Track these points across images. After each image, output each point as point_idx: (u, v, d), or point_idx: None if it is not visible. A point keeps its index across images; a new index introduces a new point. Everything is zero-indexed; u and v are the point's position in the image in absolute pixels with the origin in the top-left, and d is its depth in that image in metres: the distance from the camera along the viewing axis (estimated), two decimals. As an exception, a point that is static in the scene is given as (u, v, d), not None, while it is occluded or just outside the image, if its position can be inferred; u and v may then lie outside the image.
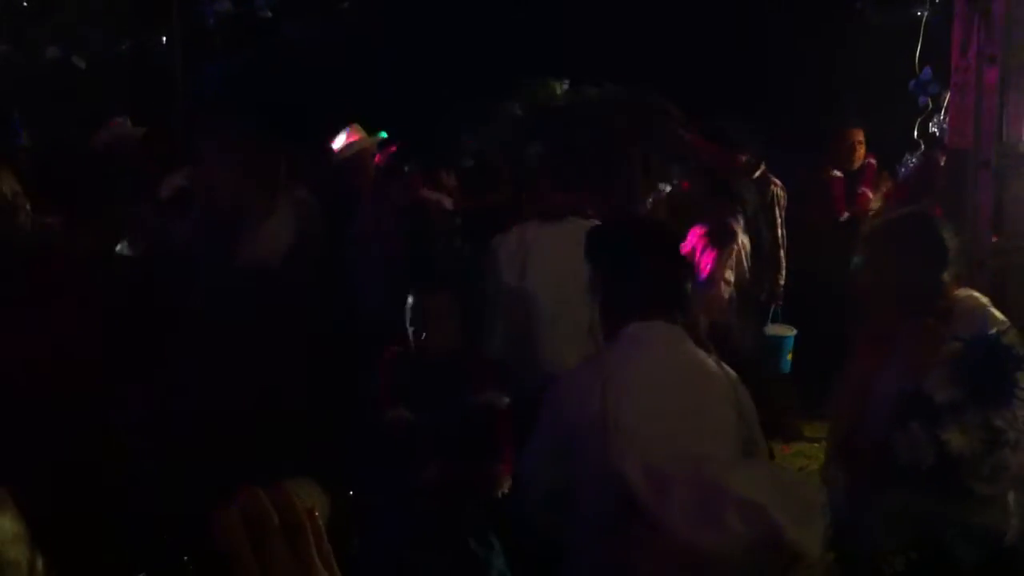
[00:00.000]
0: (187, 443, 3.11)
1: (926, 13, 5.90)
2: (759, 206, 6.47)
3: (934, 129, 5.77)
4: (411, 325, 4.12)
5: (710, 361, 3.17)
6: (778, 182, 7.03)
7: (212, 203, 3.34)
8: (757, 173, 6.92)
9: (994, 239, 4.96)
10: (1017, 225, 4.99)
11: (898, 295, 3.49)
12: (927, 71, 6.15)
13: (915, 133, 6.11)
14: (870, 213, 7.11)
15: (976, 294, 3.58)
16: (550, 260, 4.99)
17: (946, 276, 3.48)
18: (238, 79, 4.21)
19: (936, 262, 3.46)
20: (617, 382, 3.01)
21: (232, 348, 3.13)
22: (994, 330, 3.31)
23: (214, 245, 3.31)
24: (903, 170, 6.64)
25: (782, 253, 6.99)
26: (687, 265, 3.54)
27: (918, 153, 6.24)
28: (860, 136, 7.72)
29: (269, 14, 4.58)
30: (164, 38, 4.78)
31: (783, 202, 7.02)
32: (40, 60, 5.45)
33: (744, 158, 6.83)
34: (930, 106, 5.98)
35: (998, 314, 3.45)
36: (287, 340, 3.28)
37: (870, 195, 7.53)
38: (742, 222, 5.99)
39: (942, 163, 5.66)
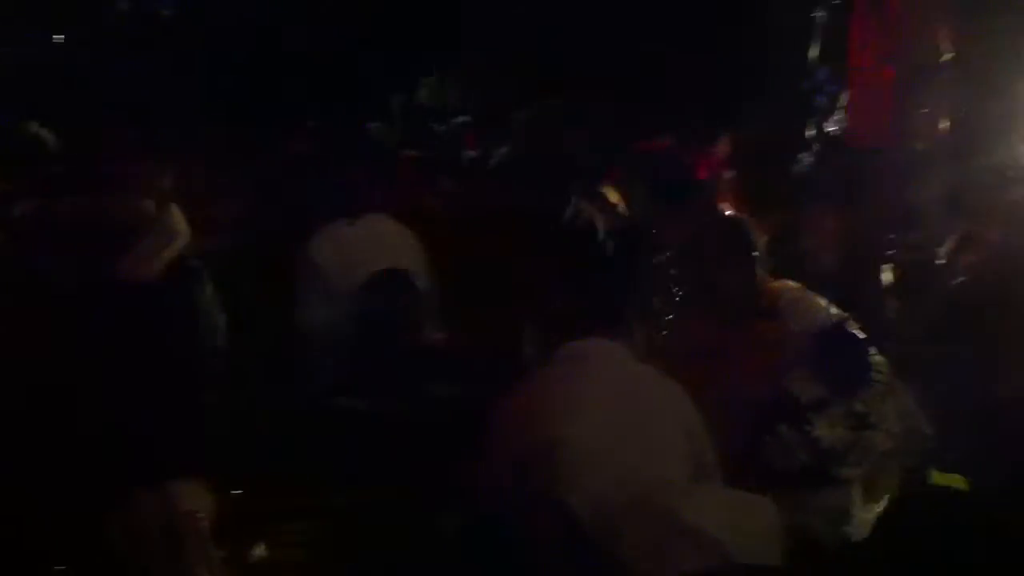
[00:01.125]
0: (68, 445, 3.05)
1: (822, 14, 6.04)
2: None
3: (832, 128, 5.89)
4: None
5: (655, 378, 3.05)
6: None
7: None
8: None
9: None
10: (916, 221, 5.13)
11: (717, 301, 3.51)
12: (823, 71, 6.30)
13: (813, 133, 6.24)
14: None
15: (792, 284, 3.59)
16: None
17: (760, 275, 3.47)
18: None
19: (746, 263, 3.46)
20: (559, 407, 2.95)
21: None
22: (834, 318, 3.39)
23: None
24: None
25: None
26: (626, 279, 3.44)
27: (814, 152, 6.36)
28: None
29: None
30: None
31: None
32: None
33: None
34: (826, 106, 6.11)
35: (819, 300, 3.51)
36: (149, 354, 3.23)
37: None
38: None
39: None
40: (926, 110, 5.19)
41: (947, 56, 5.15)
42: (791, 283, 3.54)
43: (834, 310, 3.43)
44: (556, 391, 2.93)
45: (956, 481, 3.40)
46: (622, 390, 2.94)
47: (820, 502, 3.23)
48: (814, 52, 6.32)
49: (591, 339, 3.00)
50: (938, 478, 3.44)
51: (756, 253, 3.46)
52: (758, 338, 3.36)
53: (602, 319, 3.04)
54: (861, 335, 3.33)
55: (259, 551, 3.76)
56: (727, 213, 3.87)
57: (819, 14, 5.84)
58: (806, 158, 6.56)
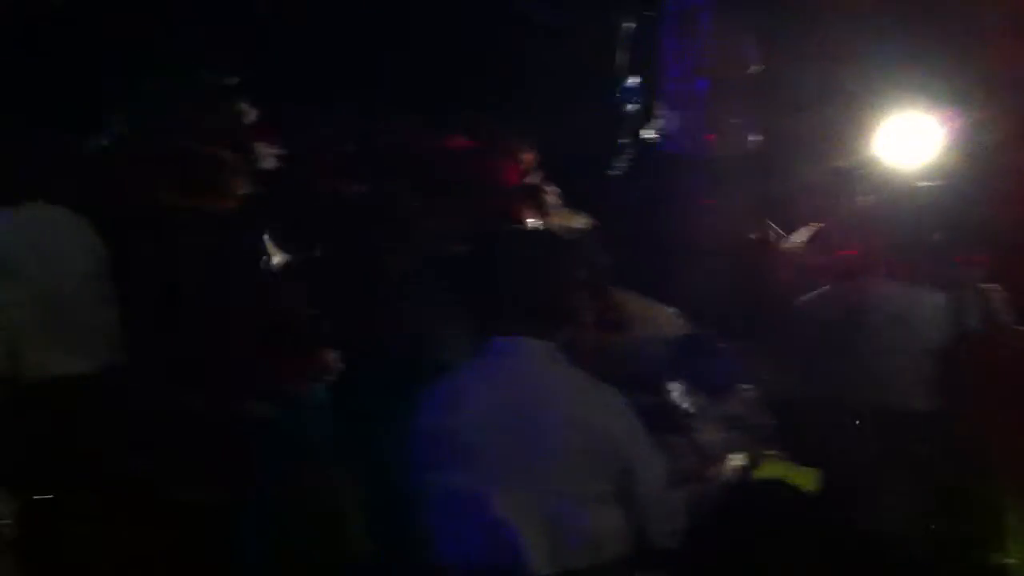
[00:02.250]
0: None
1: (630, 24, 6.17)
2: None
3: (650, 135, 6.02)
4: None
5: (572, 382, 3.06)
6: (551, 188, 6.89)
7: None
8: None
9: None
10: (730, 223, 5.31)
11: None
12: (634, 80, 6.44)
13: (627, 140, 6.36)
14: None
15: (633, 294, 3.79)
16: None
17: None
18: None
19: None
20: (459, 398, 2.99)
21: None
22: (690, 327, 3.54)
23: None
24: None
25: None
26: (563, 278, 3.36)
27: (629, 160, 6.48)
28: None
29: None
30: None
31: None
32: None
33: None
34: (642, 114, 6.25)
35: (662, 307, 3.77)
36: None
37: None
38: None
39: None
40: (736, 121, 5.38)
41: (755, 69, 5.35)
42: (631, 293, 3.63)
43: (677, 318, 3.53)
44: (463, 383, 3.04)
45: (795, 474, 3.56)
46: (520, 388, 2.98)
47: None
48: (623, 62, 6.46)
49: (517, 336, 3.04)
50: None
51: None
52: (606, 349, 3.42)
53: (531, 317, 3.08)
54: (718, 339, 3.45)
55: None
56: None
57: (627, 25, 5.95)
58: (619, 165, 6.72)
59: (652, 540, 3.07)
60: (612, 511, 2.96)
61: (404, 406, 3.13)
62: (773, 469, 3.56)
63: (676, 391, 3.36)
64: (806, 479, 3.45)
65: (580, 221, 5.24)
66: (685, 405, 3.32)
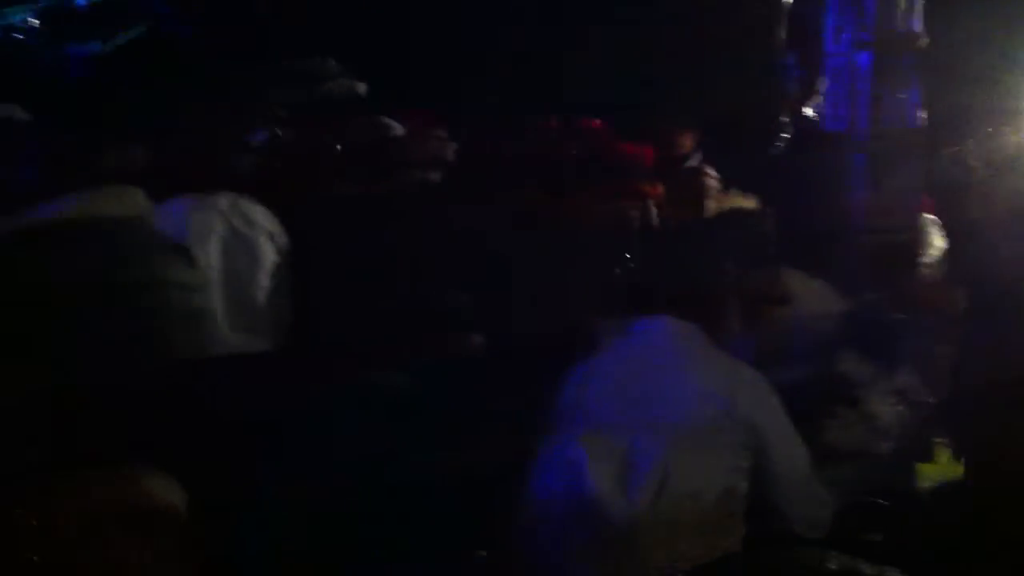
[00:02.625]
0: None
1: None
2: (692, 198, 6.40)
3: (810, 113, 5.89)
4: None
5: (713, 361, 3.09)
6: (713, 173, 6.82)
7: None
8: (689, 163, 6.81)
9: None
10: (893, 207, 5.15)
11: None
12: (792, 56, 6.31)
13: (787, 118, 6.25)
14: None
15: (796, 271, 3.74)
16: None
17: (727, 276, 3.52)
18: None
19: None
20: (592, 373, 3.02)
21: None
22: (869, 299, 3.46)
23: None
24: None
25: None
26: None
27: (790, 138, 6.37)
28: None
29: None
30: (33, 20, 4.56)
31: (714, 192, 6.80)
32: None
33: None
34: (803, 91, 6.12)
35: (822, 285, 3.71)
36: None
37: None
38: None
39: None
40: (902, 96, 5.20)
41: (922, 43, 5.16)
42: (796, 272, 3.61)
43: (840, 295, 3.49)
44: (595, 360, 3.13)
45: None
46: (653, 363, 3.01)
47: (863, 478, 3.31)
48: (782, 37, 6.33)
49: (661, 316, 3.09)
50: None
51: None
52: (775, 325, 3.41)
53: (678, 298, 3.12)
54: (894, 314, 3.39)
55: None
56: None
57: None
58: (780, 144, 6.59)
59: (793, 525, 3.06)
60: (742, 486, 2.96)
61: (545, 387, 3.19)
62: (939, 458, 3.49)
63: (847, 361, 3.33)
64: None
65: (747, 203, 5.18)
66: (856, 376, 3.29)
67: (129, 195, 3.27)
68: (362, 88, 4.83)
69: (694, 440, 2.90)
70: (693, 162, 6.77)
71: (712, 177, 6.62)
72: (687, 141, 6.78)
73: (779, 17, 6.40)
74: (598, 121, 6.06)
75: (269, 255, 4.61)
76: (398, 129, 4.80)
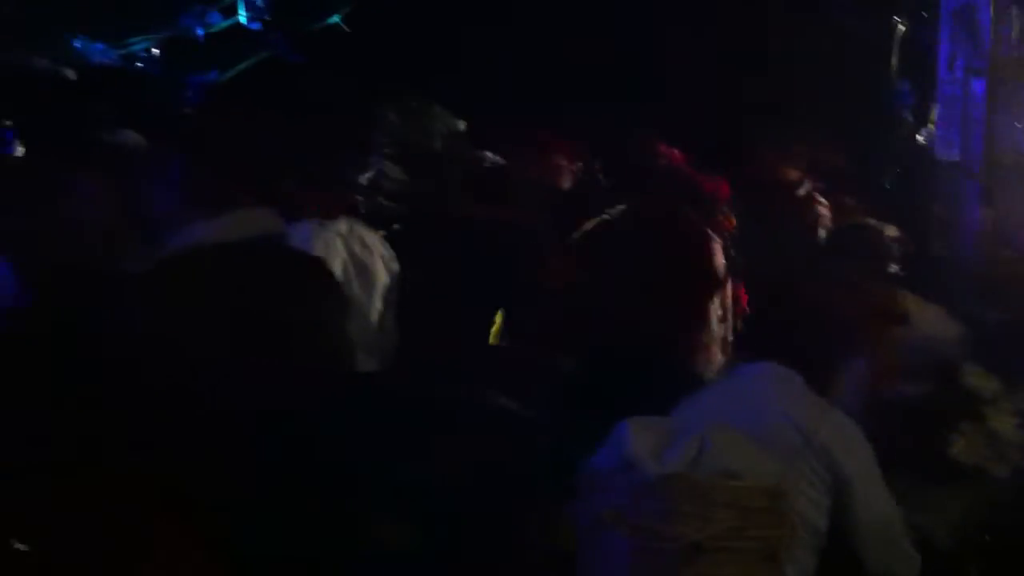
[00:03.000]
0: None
1: (903, 26, 5.98)
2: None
3: (922, 140, 5.83)
4: None
5: (805, 403, 3.12)
6: (824, 200, 6.76)
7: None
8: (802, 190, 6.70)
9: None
10: (1007, 234, 5.06)
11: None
12: (905, 83, 6.24)
13: (897, 145, 6.18)
14: None
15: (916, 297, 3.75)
16: None
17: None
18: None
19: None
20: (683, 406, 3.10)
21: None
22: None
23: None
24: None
25: None
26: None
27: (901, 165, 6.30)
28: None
29: (259, 26, 4.55)
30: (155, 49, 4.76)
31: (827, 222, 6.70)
32: (29, 69, 5.37)
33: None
34: (910, 119, 6.06)
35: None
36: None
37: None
38: None
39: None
40: (1017, 124, 5.11)
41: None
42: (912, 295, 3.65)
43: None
44: (697, 398, 3.14)
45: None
46: (742, 401, 3.03)
47: (958, 505, 3.25)
48: (896, 65, 6.28)
49: (765, 363, 3.10)
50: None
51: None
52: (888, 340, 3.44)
53: (784, 349, 3.14)
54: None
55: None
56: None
57: (900, 26, 5.78)
58: (892, 171, 6.51)
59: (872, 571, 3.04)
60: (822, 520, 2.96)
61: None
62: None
63: (972, 376, 3.31)
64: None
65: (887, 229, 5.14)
66: (981, 392, 3.26)
67: (264, 217, 3.37)
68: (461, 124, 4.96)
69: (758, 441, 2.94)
70: (804, 189, 6.74)
71: (823, 204, 6.58)
72: (798, 167, 6.74)
73: (892, 44, 6.33)
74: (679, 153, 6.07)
75: (382, 278, 4.78)
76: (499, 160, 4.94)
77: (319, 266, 3.86)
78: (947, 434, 3.23)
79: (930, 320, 3.75)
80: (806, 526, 3.03)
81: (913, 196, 6.05)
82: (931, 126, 5.49)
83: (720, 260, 4.48)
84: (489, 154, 5.00)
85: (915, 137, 5.83)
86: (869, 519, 3.01)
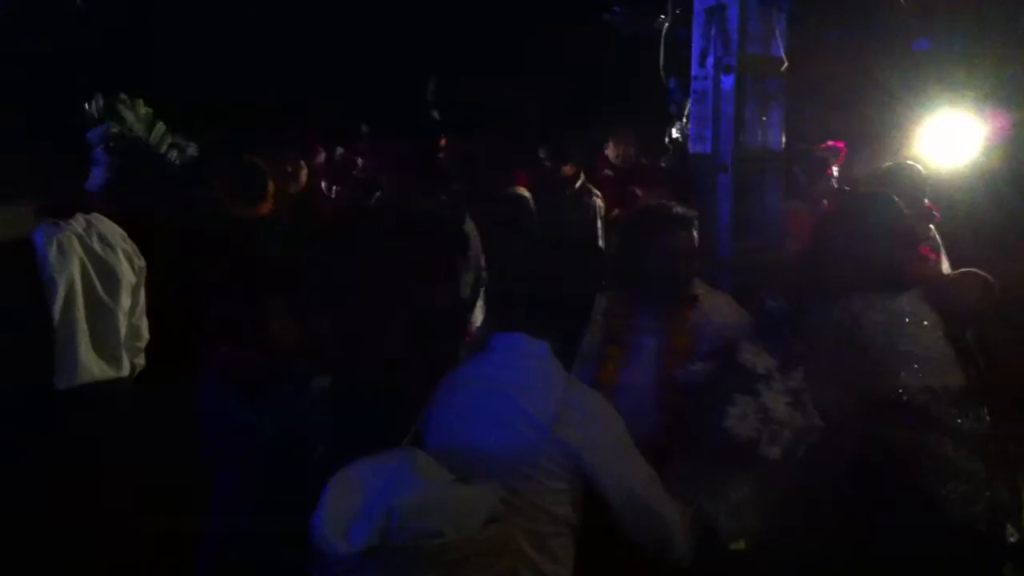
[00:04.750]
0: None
1: (667, 24, 6.12)
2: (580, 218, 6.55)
3: (677, 135, 5.99)
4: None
5: (551, 381, 3.22)
6: (597, 193, 7.01)
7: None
8: (577, 184, 6.96)
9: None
10: (756, 226, 5.24)
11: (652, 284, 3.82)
12: (672, 80, 6.38)
13: (665, 139, 6.34)
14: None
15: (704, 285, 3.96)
16: None
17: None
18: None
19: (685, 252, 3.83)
20: (443, 385, 3.38)
21: None
22: (775, 303, 3.57)
23: None
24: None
25: None
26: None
27: (666, 157, 6.46)
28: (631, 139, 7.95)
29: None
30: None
31: (602, 213, 6.97)
32: None
33: (569, 170, 6.89)
34: (677, 114, 6.21)
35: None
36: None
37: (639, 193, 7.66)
38: None
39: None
40: (764, 119, 5.30)
41: (783, 67, 5.26)
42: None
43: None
44: (455, 372, 3.30)
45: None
46: (492, 386, 3.06)
47: (737, 487, 3.34)
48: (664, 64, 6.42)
49: (516, 334, 3.22)
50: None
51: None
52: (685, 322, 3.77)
53: (534, 317, 3.20)
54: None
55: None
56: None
57: (662, 26, 5.91)
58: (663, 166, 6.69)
59: (644, 547, 3.11)
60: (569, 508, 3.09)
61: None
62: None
63: (746, 352, 3.40)
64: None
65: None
66: (754, 367, 3.36)
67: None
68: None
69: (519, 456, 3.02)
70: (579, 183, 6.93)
71: (598, 196, 6.81)
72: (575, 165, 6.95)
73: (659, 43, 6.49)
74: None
75: (128, 275, 4.61)
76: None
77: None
78: (722, 407, 3.31)
79: (719, 305, 3.94)
80: (553, 518, 3.09)
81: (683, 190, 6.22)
82: (685, 120, 5.64)
83: None
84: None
85: (672, 133, 5.98)
86: (619, 495, 3.11)
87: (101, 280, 4.49)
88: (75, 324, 4.35)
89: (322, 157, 6.32)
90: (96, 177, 4.79)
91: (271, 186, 5.24)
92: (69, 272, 4.34)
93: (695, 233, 3.91)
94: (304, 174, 6.01)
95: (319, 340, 4.32)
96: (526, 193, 6.39)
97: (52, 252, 4.30)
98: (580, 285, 3.54)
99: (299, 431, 4.09)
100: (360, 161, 7.12)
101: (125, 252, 4.60)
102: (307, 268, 4.47)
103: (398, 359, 4.34)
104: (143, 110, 4.91)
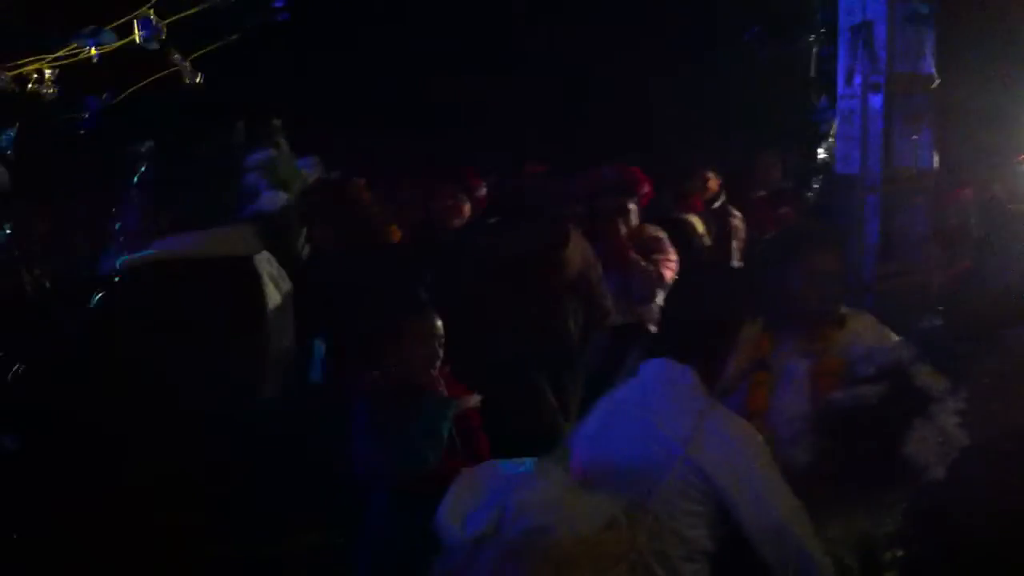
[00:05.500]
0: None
1: (816, 45, 6.03)
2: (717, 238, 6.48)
3: (824, 156, 5.87)
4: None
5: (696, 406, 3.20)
6: (737, 213, 6.86)
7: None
8: (716, 204, 6.89)
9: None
10: (903, 249, 5.09)
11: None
12: (823, 100, 6.29)
13: (811, 161, 6.23)
14: None
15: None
16: None
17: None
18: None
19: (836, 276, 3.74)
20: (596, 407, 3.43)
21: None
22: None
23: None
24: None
25: None
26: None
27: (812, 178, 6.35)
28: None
29: (156, 46, 4.53)
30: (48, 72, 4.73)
31: (742, 234, 6.80)
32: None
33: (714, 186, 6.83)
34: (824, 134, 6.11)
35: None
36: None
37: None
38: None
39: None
40: (915, 138, 5.15)
41: (934, 85, 5.12)
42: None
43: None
44: (606, 396, 3.33)
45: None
46: (631, 407, 3.09)
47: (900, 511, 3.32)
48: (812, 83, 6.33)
49: (662, 359, 3.24)
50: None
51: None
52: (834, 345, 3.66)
53: (679, 340, 3.24)
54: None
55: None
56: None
57: (810, 44, 5.83)
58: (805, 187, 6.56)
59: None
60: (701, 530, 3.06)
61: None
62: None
63: (922, 375, 3.35)
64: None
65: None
66: (930, 390, 3.30)
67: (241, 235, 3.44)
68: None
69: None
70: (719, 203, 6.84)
71: (737, 217, 6.68)
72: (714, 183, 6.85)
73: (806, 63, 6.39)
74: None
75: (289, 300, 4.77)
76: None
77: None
78: (899, 431, 3.24)
79: (865, 327, 3.81)
80: (684, 541, 3.06)
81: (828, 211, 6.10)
82: (832, 140, 5.53)
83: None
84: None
85: (817, 153, 5.87)
86: (757, 524, 3.05)
87: (279, 301, 4.71)
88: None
89: (483, 191, 6.37)
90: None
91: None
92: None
93: (840, 254, 3.82)
94: (466, 208, 6.05)
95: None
96: (695, 219, 6.32)
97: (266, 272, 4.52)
98: (726, 310, 3.49)
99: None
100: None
101: (271, 275, 4.74)
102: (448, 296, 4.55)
103: (534, 384, 4.37)
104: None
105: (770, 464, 3.12)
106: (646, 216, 5.86)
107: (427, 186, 6.14)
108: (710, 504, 3.06)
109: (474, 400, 4.13)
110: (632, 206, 5.77)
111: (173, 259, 4.15)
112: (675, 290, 4.45)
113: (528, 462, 3.03)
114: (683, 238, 5.96)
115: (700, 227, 6.23)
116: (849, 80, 5.11)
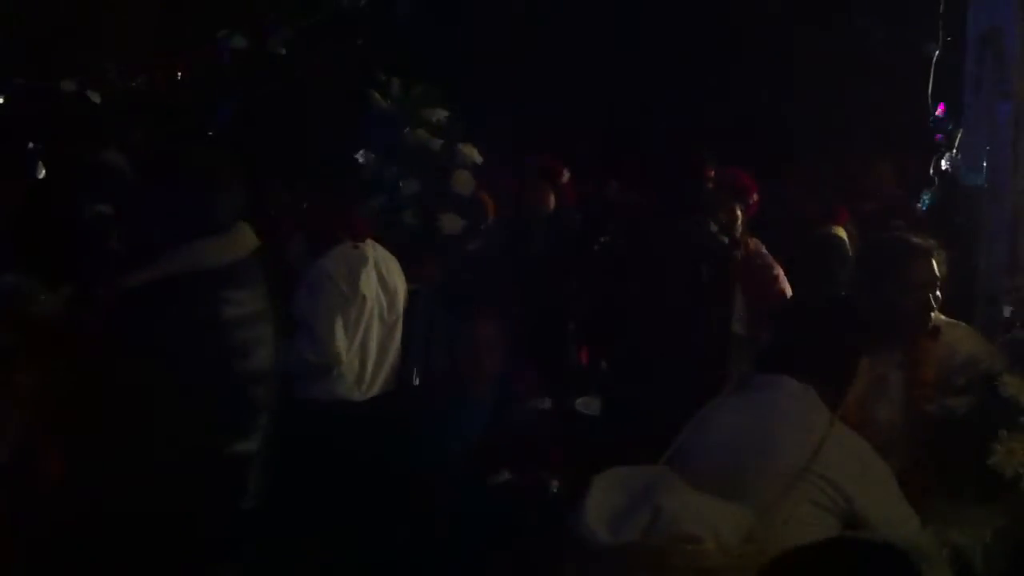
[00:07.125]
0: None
1: (937, 51, 5.90)
2: None
3: (946, 166, 5.75)
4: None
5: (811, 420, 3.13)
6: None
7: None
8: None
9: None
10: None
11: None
12: (941, 108, 6.16)
13: (931, 170, 6.11)
14: None
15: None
16: None
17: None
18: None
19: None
20: (697, 420, 3.34)
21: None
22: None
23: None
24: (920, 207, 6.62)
25: None
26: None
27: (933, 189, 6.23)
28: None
29: (283, 50, 4.60)
30: (179, 74, 4.84)
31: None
32: (55, 93, 5.45)
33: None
34: (945, 144, 5.98)
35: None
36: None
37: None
38: None
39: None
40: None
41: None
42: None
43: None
44: (710, 409, 3.29)
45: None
46: (755, 419, 3.06)
47: (993, 526, 3.27)
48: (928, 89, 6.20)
49: (781, 376, 3.20)
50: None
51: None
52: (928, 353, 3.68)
53: (803, 360, 3.12)
54: None
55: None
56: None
57: (932, 51, 5.71)
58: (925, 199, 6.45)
59: None
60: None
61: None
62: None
63: (1009, 386, 3.35)
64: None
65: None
66: (1019, 401, 3.30)
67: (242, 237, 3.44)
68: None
69: (738, 489, 2.94)
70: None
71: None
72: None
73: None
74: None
75: (403, 298, 4.90)
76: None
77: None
78: (988, 443, 3.22)
79: (961, 337, 3.85)
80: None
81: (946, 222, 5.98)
82: (955, 152, 5.42)
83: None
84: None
85: (941, 163, 5.76)
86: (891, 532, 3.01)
87: (387, 301, 4.81)
88: (370, 342, 4.68)
89: (566, 177, 6.47)
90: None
91: None
92: (361, 293, 4.67)
93: (935, 263, 3.77)
94: (551, 198, 6.16)
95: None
96: (842, 234, 6.26)
97: (344, 272, 4.64)
98: (851, 336, 3.46)
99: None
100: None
101: (399, 276, 4.88)
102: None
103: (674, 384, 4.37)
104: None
105: (893, 481, 3.11)
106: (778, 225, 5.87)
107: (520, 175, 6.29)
108: (841, 517, 3.05)
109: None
110: (739, 213, 5.77)
111: None
112: (799, 309, 4.42)
113: (658, 469, 3.02)
114: (837, 254, 5.91)
115: (846, 240, 6.17)
116: (976, 88, 5.01)
